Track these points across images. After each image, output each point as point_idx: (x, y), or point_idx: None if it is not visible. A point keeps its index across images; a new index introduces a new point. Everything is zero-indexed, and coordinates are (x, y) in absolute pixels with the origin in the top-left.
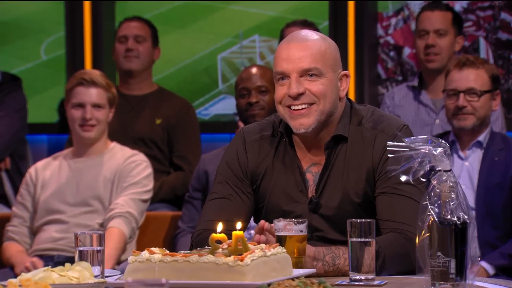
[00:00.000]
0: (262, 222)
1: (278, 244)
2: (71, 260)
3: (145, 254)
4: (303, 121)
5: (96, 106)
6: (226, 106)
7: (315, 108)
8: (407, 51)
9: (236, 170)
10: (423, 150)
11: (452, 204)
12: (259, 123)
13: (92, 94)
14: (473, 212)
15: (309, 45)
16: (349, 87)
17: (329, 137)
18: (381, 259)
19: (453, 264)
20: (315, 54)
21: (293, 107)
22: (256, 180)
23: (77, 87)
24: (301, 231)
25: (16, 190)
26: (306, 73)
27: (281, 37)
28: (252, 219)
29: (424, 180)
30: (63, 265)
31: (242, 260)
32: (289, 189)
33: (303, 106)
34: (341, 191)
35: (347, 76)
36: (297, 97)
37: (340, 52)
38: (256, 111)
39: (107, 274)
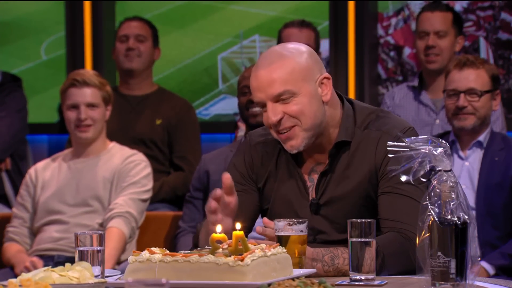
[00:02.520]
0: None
1: (278, 244)
2: (71, 260)
3: (145, 254)
4: (292, 143)
5: (91, 105)
6: (226, 106)
7: (298, 130)
8: (407, 51)
9: (242, 171)
10: (423, 150)
11: (452, 204)
12: (264, 127)
13: (85, 94)
14: (473, 212)
15: (273, 69)
16: (330, 89)
17: (330, 141)
18: (380, 257)
19: (453, 264)
20: (282, 76)
21: (280, 132)
22: (260, 182)
23: (70, 88)
24: (301, 231)
25: (16, 190)
26: (279, 97)
27: (279, 38)
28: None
29: (424, 180)
30: (64, 265)
31: (242, 260)
32: (292, 191)
33: (286, 131)
34: (344, 192)
35: (327, 78)
36: (277, 123)
37: (340, 52)
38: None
39: (107, 274)
